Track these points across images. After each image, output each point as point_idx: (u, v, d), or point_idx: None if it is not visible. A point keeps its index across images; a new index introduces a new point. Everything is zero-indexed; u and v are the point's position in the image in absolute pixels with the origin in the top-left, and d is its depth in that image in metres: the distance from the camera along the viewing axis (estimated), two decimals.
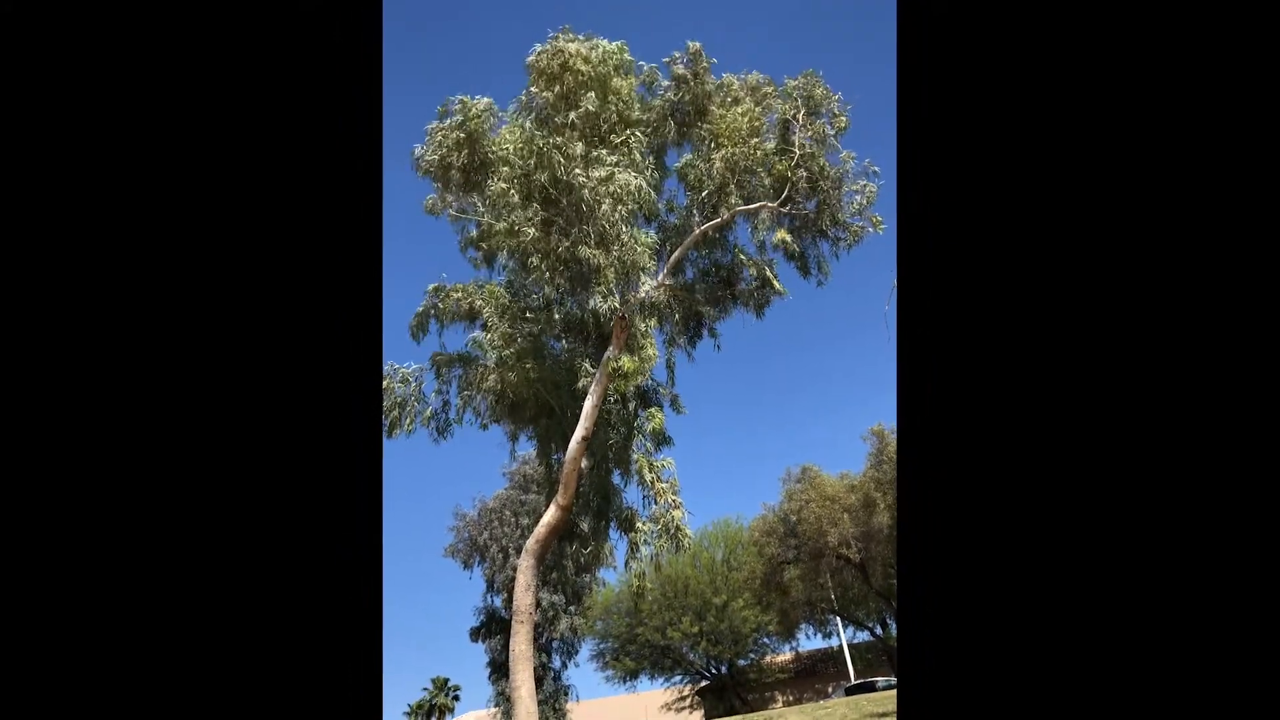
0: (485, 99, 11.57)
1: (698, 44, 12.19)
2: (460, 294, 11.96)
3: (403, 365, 11.98)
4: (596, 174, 10.37)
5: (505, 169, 10.72)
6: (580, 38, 10.97)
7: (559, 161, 10.26)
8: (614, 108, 10.92)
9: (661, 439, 11.89)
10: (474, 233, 12.15)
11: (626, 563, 12.04)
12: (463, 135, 11.26)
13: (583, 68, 10.46)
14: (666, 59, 12.31)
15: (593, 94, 10.59)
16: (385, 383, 11.57)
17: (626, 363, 10.58)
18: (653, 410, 12.04)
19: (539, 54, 10.67)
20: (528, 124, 11.05)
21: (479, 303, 11.84)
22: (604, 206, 10.27)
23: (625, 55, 11.27)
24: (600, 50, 10.89)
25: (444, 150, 11.31)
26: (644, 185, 10.60)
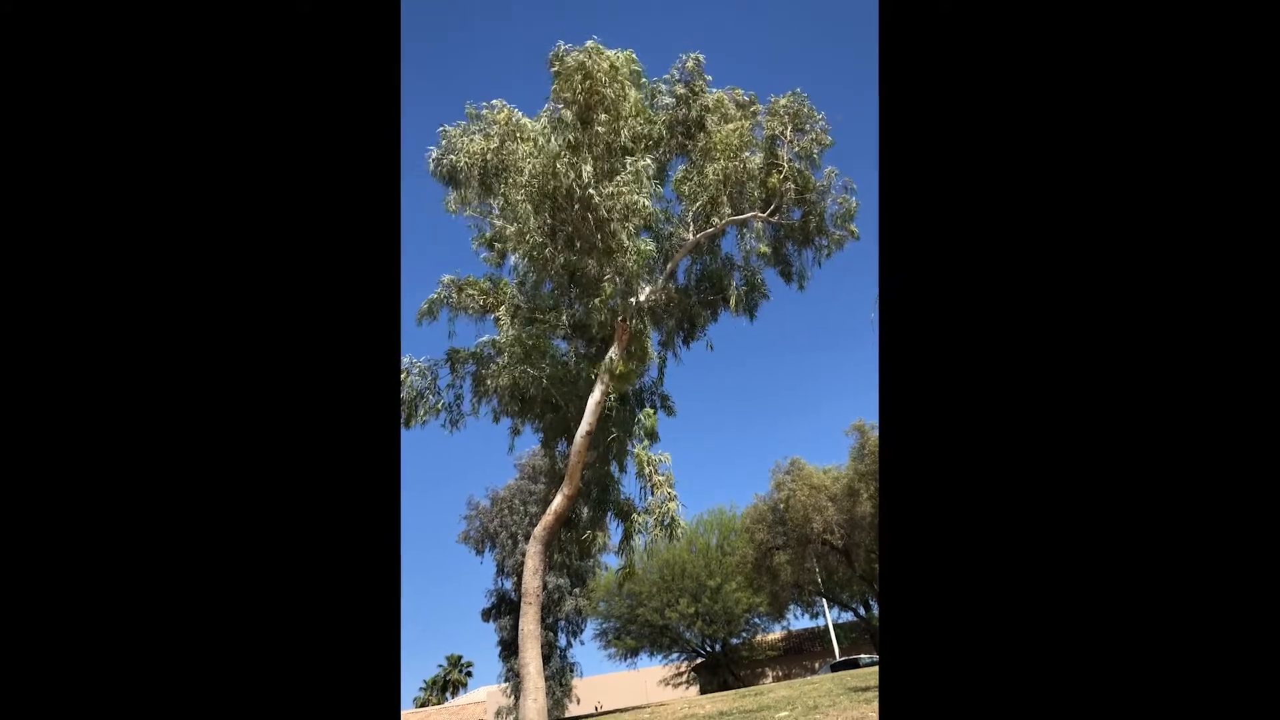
0: (506, 107, 11.47)
1: (696, 56, 12.01)
2: (474, 289, 11.94)
3: (419, 359, 11.95)
4: (606, 189, 10.36)
5: (519, 178, 10.67)
6: (599, 45, 10.83)
7: (572, 177, 10.23)
8: (626, 124, 10.86)
9: (654, 436, 11.89)
10: (488, 233, 12.10)
11: (619, 549, 12.04)
12: (483, 142, 11.18)
13: (604, 90, 10.41)
14: (666, 76, 12.20)
15: (605, 115, 10.54)
16: (404, 375, 11.55)
17: (619, 365, 10.59)
18: (647, 410, 12.05)
19: (563, 65, 10.54)
20: (545, 133, 10.96)
21: (491, 300, 11.83)
22: (612, 222, 10.26)
23: (635, 66, 11.17)
24: (619, 63, 10.80)
25: (464, 155, 11.24)
26: (648, 204, 10.57)
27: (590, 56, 10.36)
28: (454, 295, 11.98)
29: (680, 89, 11.97)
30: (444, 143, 11.52)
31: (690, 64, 11.99)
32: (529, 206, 10.50)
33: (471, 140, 11.28)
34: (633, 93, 10.94)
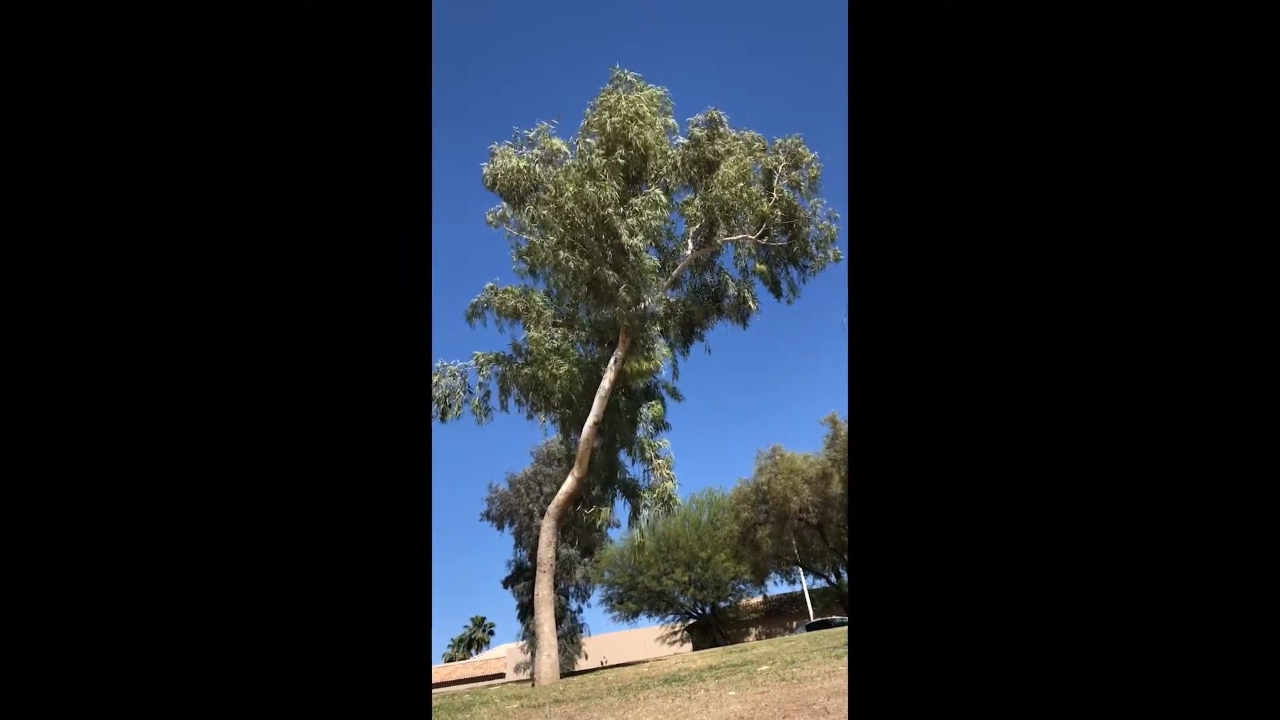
0: (547, 133, 11.59)
1: (717, 111, 12.15)
2: (508, 294, 12.04)
3: (451, 363, 11.98)
4: (622, 210, 10.43)
5: (546, 196, 10.75)
6: (633, 78, 10.92)
7: (596, 199, 10.28)
8: (653, 157, 10.97)
9: (661, 424, 11.91)
10: (524, 247, 12.18)
11: (629, 523, 12.06)
12: (517, 160, 11.31)
13: (634, 130, 10.53)
14: (692, 119, 12.27)
15: (627, 149, 10.65)
16: (437, 378, 11.60)
17: (631, 365, 10.62)
18: (653, 401, 12.06)
19: (599, 103, 10.71)
20: (574, 160, 11.07)
21: (521, 304, 11.93)
22: (626, 238, 10.31)
23: (666, 102, 11.33)
24: (649, 103, 10.92)
25: (502, 170, 11.36)
26: (660, 227, 10.66)
27: (621, 100, 10.50)
28: (492, 299, 12.07)
29: (699, 131, 12.00)
30: (496, 160, 11.60)
31: (712, 115, 12.09)
32: (554, 220, 10.57)
33: (508, 159, 11.37)
34: (656, 128, 11.05)
